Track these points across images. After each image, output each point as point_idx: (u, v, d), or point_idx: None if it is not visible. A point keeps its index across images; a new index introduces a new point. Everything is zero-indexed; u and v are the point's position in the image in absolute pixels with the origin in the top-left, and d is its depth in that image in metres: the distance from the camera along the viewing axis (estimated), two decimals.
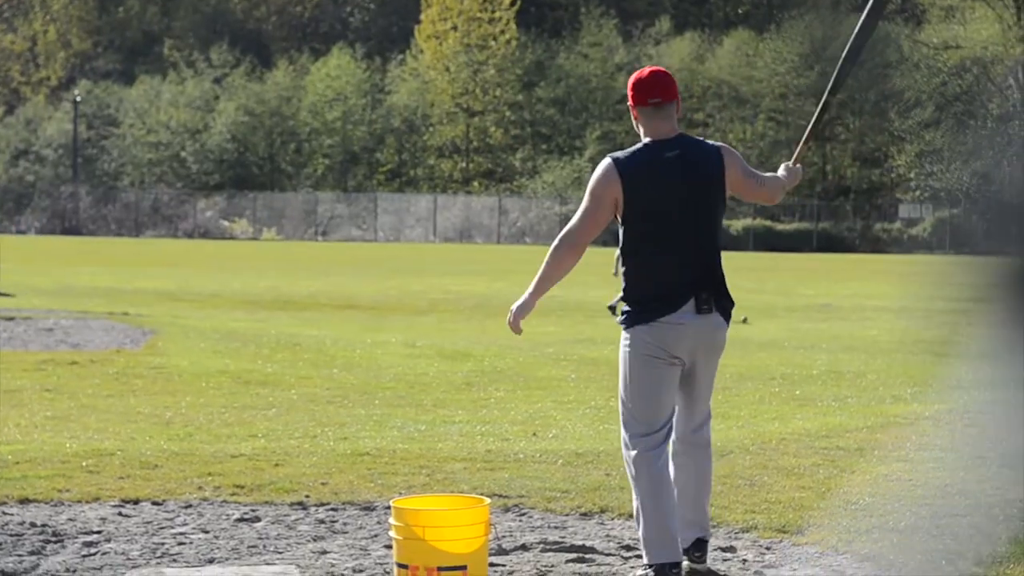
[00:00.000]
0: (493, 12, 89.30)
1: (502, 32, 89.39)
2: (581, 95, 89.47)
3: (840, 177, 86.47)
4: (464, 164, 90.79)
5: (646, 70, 6.63)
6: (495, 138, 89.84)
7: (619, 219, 6.57)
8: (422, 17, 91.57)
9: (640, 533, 6.50)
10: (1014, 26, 77.61)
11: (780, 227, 76.72)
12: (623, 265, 6.59)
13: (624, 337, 6.55)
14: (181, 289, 29.85)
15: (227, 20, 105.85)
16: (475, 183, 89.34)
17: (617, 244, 6.72)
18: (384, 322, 22.64)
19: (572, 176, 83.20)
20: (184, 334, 19.09)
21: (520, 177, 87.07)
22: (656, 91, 6.53)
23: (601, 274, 35.70)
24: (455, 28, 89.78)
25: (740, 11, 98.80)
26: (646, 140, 6.55)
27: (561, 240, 6.60)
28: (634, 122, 6.65)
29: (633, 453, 6.51)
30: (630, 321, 6.51)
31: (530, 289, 6.60)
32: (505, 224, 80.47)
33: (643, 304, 6.48)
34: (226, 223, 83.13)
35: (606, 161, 6.55)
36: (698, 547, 6.72)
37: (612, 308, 23.52)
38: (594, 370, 15.75)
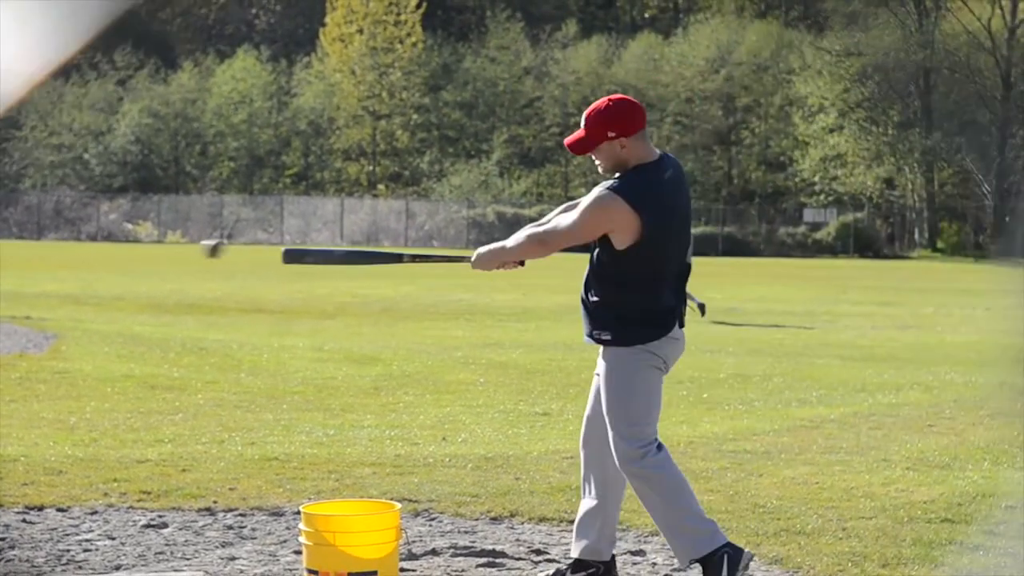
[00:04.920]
0: (399, 15, 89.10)
1: (408, 35, 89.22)
2: (488, 98, 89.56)
3: (745, 181, 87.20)
4: (371, 167, 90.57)
5: (617, 97, 6.50)
6: (402, 141, 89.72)
7: (613, 244, 6.32)
8: (327, 19, 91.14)
9: (688, 527, 6.39)
10: (916, 32, 78.65)
11: None
12: (619, 285, 6.41)
13: (629, 353, 6.39)
14: (85, 292, 29.51)
15: (131, 21, 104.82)
16: (381, 186, 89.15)
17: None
18: (291, 326, 22.53)
19: (479, 179, 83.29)
20: (88, 338, 18.88)
21: (427, 180, 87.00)
22: (643, 115, 6.47)
23: (509, 278, 35.76)
24: (360, 31, 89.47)
25: (647, 15, 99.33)
26: (640, 165, 6.42)
27: (540, 236, 6.48)
28: (617, 151, 6.42)
29: (653, 455, 6.40)
30: (641, 337, 6.38)
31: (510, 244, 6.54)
32: (412, 227, 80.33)
33: (651, 320, 6.39)
34: (130, 226, 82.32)
35: (614, 196, 6.28)
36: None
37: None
38: (503, 374, 15.75)
